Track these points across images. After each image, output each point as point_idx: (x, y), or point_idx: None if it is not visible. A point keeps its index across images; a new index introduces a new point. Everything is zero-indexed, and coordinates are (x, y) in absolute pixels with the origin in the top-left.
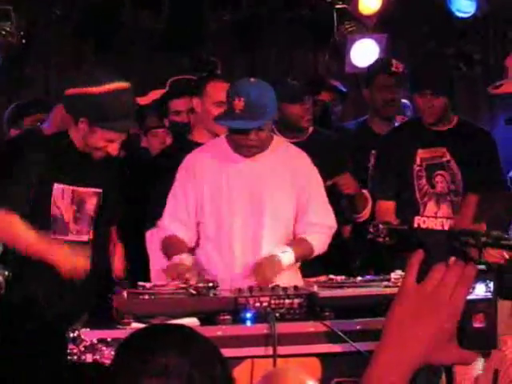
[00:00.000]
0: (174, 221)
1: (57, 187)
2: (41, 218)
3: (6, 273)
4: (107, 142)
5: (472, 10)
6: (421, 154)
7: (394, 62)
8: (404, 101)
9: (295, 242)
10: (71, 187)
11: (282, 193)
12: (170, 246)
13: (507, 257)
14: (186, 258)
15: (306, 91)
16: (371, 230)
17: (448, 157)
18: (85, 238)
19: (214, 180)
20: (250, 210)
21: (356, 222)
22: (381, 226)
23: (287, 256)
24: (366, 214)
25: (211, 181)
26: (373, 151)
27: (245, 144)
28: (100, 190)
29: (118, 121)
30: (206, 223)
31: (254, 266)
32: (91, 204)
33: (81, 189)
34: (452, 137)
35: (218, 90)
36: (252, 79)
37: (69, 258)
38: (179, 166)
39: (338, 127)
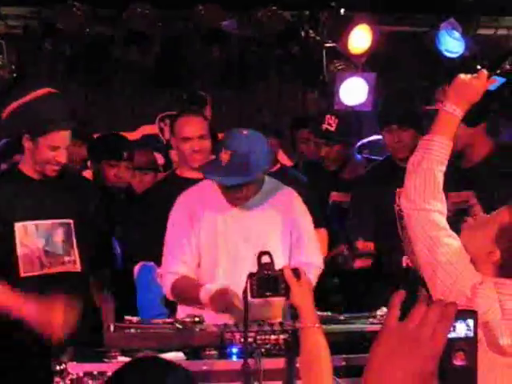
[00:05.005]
0: (179, 264)
1: (17, 226)
2: (8, 259)
3: None
4: (53, 151)
5: (460, 50)
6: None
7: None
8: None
9: None
10: (33, 222)
11: (276, 234)
12: (188, 284)
13: None
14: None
15: None
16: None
17: (473, 200)
18: (60, 269)
19: (209, 224)
20: (246, 254)
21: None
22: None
23: None
24: None
25: (206, 225)
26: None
27: (230, 197)
28: (67, 221)
29: (55, 122)
30: (203, 264)
31: None
32: (59, 235)
33: (43, 221)
34: None
35: (182, 126)
36: (245, 131)
37: (42, 313)
38: (172, 209)
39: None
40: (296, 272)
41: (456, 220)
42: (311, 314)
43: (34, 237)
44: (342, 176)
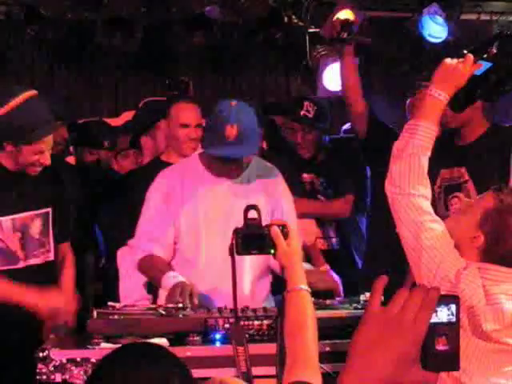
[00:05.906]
0: (149, 240)
1: None
2: None
3: None
4: (38, 155)
5: (443, 36)
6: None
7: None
8: None
9: None
10: (9, 217)
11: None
12: (154, 265)
13: None
14: (180, 276)
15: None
16: None
17: (466, 177)
18: (37, 261)
19: (189, 202)
20: (228, 231)
21: None
22: None
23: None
24: None
25: (186, 203)
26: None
27: (235, 169)
28: (45, 210)
29: (39, 129)
30: (184, 244)
31: None
32: (36, 227)
33: (20, 215)
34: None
35: (182, 112)
36: (234, 103)
37: (43, 298)
38: (150, 187)
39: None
40: (284, 230)
41: (446, 195)
42: (298, 275)
43: (10, 232)
44: (314, 161)
